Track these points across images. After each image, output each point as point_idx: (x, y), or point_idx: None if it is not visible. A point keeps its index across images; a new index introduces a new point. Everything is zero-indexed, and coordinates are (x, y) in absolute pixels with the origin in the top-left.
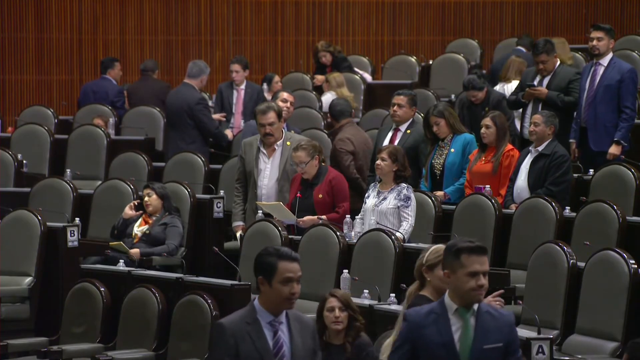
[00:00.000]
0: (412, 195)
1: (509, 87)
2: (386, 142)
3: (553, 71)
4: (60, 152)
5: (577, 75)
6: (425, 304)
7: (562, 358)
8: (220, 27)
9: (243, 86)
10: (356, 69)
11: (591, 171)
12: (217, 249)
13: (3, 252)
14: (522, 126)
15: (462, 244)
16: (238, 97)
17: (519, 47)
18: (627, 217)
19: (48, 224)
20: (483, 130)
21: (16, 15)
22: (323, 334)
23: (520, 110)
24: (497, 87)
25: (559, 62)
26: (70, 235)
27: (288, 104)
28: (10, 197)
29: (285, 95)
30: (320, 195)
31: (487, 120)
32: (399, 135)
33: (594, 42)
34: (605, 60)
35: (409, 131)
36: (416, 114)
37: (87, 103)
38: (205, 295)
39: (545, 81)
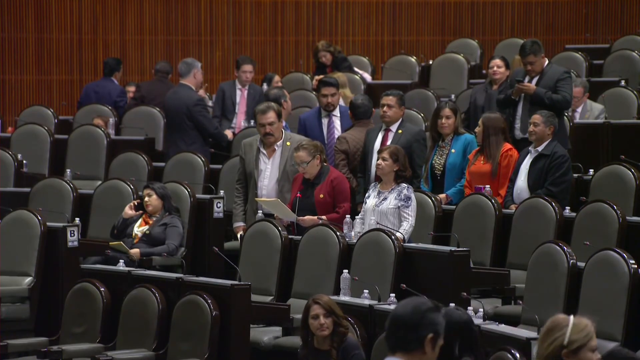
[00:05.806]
0: (413, 196)
1: None
2: (377, 142)
3: (541, 71)
4: (60, 152)
5: (566, 74)
6: None
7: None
8: (220, 27)
9: (247, 87)
10: (356, 69)
11: (591, 171)
12: (217, 249)
13: (3, 252)
14: (512, 127)
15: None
16: (242, 97)
17: None
18: (627, 217)
19: (48, 224)
20: (475, 129)
21: (16, 15)
22: (310, 340)
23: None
24: None
25: (547, 62)
26: (70, 235)
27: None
28: (10, 197)
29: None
30: (322, 195)
31: (479, 122)
32: (391, 135)
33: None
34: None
35: (400, 131)
36: (405, 112)
37: (88, 103)
38: (205, 295)
39: (534, 82)
